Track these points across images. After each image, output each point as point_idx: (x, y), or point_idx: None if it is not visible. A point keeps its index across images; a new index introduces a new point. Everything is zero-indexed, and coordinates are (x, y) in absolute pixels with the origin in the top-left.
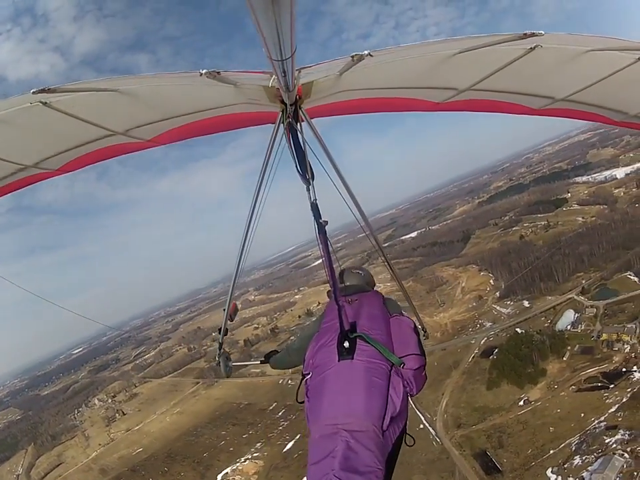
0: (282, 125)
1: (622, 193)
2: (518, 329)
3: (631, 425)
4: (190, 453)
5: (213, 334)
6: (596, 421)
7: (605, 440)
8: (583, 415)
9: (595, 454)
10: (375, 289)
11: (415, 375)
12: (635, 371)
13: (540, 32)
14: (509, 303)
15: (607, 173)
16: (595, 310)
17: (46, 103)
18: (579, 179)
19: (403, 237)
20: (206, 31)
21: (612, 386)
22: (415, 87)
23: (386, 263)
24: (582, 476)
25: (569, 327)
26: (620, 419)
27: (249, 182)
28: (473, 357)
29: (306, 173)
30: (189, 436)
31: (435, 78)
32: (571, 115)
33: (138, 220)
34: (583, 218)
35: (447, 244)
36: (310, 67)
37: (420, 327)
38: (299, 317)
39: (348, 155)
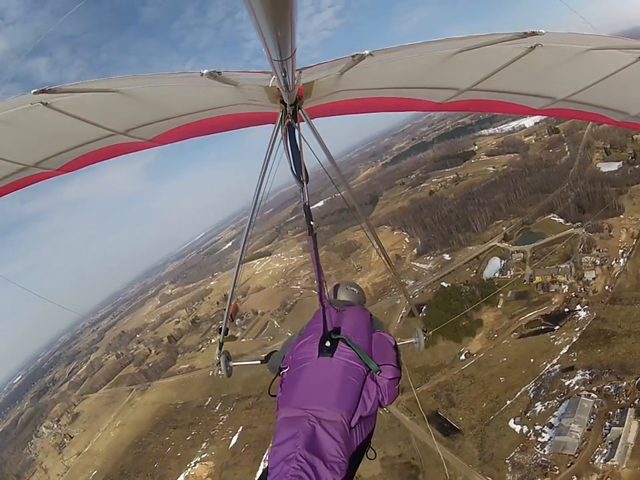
0: (282, 125)
1: (533, 141)
2: (443, 283)
3: (589, 364)
4: (141, 466)
5: (137, 335)
6: (548, 365)
7: (564, 382)
8: (532, 360)
9: (558, 398)
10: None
11: (389, 384)
12: (580, 310)
13: (540, 30)
14: (428, 258)
15: (514, 124)
16: (522, 254)
17: (46, 103)
18: (484, 132)
19: (311, 207)
20: (101, 25)
21: (557, 327)
22: (416, 87)
23: (379, 250)
24: (550, 422)
25: (497, 274)
26: (575, 360)
27: (152, 174)
28: (402, 318)
29: (300, 175)
30: (136, 448)
31: (436, 78)
32: (572, 115)
33: (47, 231)
34: (494, 167)
35: (355, 209)
36: (310, 66)
37: (422, 327)
38: (217, 303)
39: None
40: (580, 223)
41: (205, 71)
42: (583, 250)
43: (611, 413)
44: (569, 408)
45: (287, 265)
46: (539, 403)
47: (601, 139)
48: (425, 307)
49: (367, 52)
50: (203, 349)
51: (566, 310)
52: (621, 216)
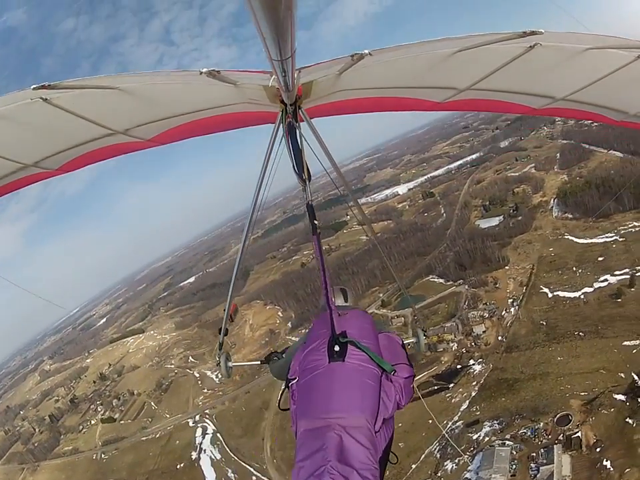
0: (282, 124)
1: (407, 206)
2: None
3: (496, 414)
4: None
5: (21, 412)
6: (450, 423)
7: (471, 437)
8: (430, 421)
9: (468, 453)
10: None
11: (405, 383)
12: (473, 364)
13: (539, 30)
14: (304, 331)
15: (387, 192)
16: (403, 319)
17: (46, 99)
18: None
19: (182, 284)
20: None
21: (452, 385)
22: (415, 87)
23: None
24: (466, 477)
25: None
26: (479, 413)
27: (29, 239)
28: (282, 394)
29: (302, 174)
30: None
31: (435, 77)
32: (571, 115)
33: None
34: (367, 236)
35: (227, 284)
36: (310, 66)
37: (423, 327)
38: (94, 382)
39: (123, 202)
40: (462, 281)
41: (204, 70)
42: (468, 306)
43: (534, 454)
44: (485, 460)
45: (160, 343)
46: (448, 461)
47: (478, 197)
48: None
49: (366, 51)
50: (84, 430)
51: (458, 367)
52: (506, 267)
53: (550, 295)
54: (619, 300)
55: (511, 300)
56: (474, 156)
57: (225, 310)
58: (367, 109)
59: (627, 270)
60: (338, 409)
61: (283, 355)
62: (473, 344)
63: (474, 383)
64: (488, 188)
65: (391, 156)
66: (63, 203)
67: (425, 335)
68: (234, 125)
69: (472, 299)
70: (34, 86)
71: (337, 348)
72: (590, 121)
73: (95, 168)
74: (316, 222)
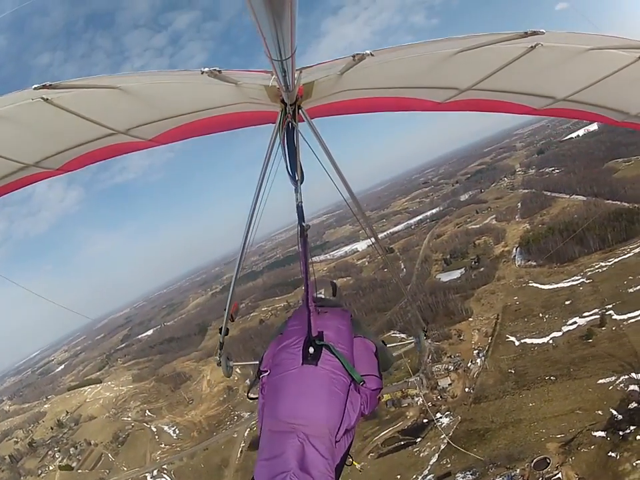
0: (282, 124)
1: (367, 263)
2: None
3: (468, 465)
4: None
5: (16, 431)
6: (420, 477)
7: None
8: (399, 476)
9: None
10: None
11: (371, 395)
12: (441, 417)
13: (541, 30)
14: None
15: (346, 248)
16: None
17: (47, 99)
18: (316, 258)
19: (140, 336)
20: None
21: (419, 439)
22: (416, 87)
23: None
24: None
25: None
26: (450, 465)
27: None
28: (242, 452)
29: (295, 174)
30: None
31: (436, 77)
32: (572, 115)
33: None
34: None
35: (185, 338)
36: (311, 66)
37: (423, 326)
38: (52, 428)
39: (85, 249)
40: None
41: (205, 69)
42: (432, 360)
43: None
44: None
45: (117, 395)
46: None
47: (439, 251)
48: None
49: (367, 52)
50: (42, 474)
51: (425, 421)
52: (470, 319)
53: (517, 343)
54: (590, 340)
55: (477, 351)
56: (434, 210)
57: (225, 310)
58: (368, 109)
59: (597, 310)
60: (304, 416)
61: None
62: (439, 397)
63: (442, 436)
64: (448, 241)
65: (351, 213)
66: (26, 243)
67: (425, 336)
68: (235, 124)
69: (436, 353)
70: (35, 85)
71: (311, 350)
72: (551, 168)
73: (59, 211)
74: (304, 224)
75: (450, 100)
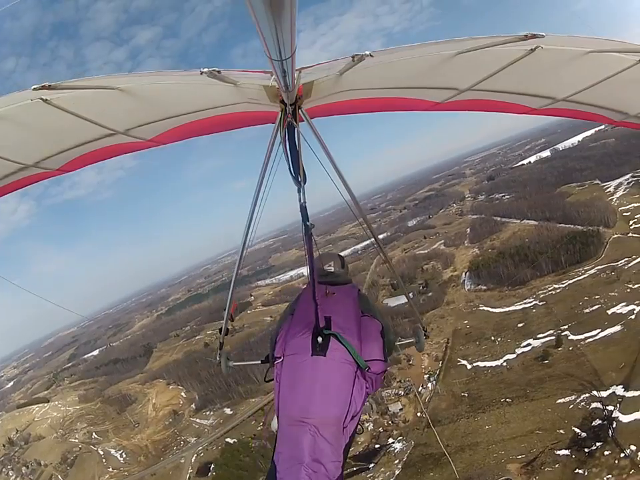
0: (282, 124)
1: None
2: (229, 439)
3: None
4: None
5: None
6: None
7: None
8: None
9: None
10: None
11: (377, 378)
12: (393, 442)
13: (541, 33)
14: (208, 413)
15: (292, 273)
16: None
17: (46, 100)
18: (261, 282)
19: (86, 356)
20: None
21: (372, 465)
22: (415, 87)
23: (379, 251)
24: None
25: None
26: None
27: None
28: (189, 478)
29: (298, 175)
30: None
31: (436, 78)
32: (572, 115)
33: None
34: (271, 317)
35: (130, 360)
36: (310, 66)
37: (423, 326)
38: (4, 445)
39: (35, 265)
40: None
41: (205, 70)
42: (381, 385)
43: None
44: None
45: (65, 415)
46: None
47: (386, 276)
48: (212, 465)
49: (367, 53)
50: None
51: (377, 446)
52: None
53: (469, 367)
54: (546, 361)
55: (427, 375)
56: (381, 236)
57: (225, 310)
58: (367, 109)
59: (552, 331)
60: (315, 412)
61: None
62: (390, 422)
63: (396, 461)
64: (396, 266)
65: (297, 237)
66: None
67: (425, 335)
68: (234, 124)
69: (385, 378)
70: (34, 86)
71: (319, 339)
72: (502, 194)
73: (8, 228)
74: (308, 223)
75: (449, 100)
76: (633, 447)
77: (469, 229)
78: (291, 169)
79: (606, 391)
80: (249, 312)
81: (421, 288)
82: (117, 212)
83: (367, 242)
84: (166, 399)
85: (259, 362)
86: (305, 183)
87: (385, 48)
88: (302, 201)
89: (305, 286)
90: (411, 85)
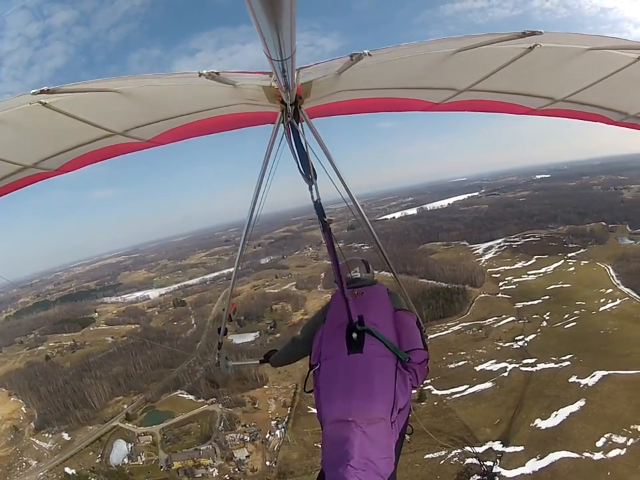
0: (282, 124)
1: (157, 312)
2: (67, 469)
3: None
4: None
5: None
6: None
7: None
8: None
9: None
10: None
11: (419, 368)
12: None
13: (539, 30)
14: (47, 435)
15: (139, 294)
16: (151, 437)
17: (45, 103)
18: (107, 299)
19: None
20: None
21: None
22: (414, 87)
23: (380, 252)
24: None
25: (126, 460)
26: None
27: None
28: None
29: (309, 173)
30: None
31: (434, 78)
32: (571, 115)
33: None
34: (112, 338)
35: None
36: (309, 66)
37: (422, 326)
38: None
39: None
40: (215, 399)
41: (203, 72)
42: (224, 428)
43: None
44: None
45: None
46: None
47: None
48: None
49: (365, 52)
50: None
51: None
52: (265, 386)
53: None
54: (409, 415)
55: (275, 422)
56: (231, 269)
57: (224, 310)
58: (366, 109)
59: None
60: (358, 409)
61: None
62: (237, 469)
63: None
64: (244, 302)
65: (148, 258)
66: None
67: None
68: (233, 125)
69: (228, 420)
70: (33, 90)
71: (354, 336)
72: (361, 244)
73: None
74: (326, 219)
75: (448, 100)
76: None
77: (323, 274)
78: (301, 167)
79: (481, 446)
80: (91, 329)
81: (269, 328)
82: None
83: (217, 273)
84: (7, 411)
85: (258, 362)
86: (316, 180)
87: (383, 47)
88: (315, 198)
89: (334, 292)
90: (410, 85)
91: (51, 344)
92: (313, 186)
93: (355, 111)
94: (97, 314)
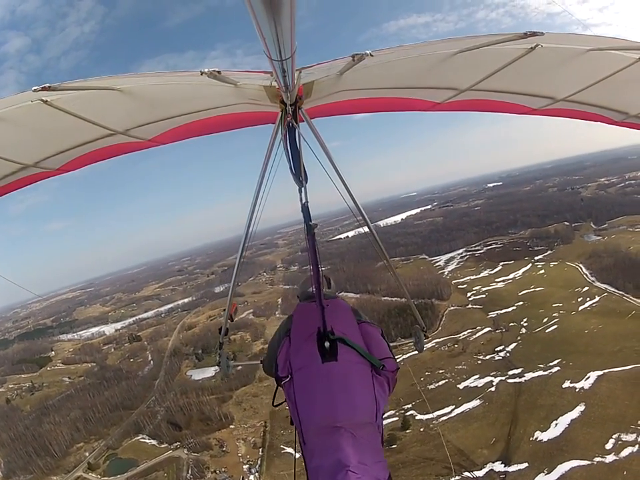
0: (282, 125)
1: (112, 349)
2: None
3: None
4: None
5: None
6: None
7: None
8: None
9: None
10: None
11: (391, 376)
12: None
13: (540, 31)
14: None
15: (94, 330)
16: None
17: (46, 101)
18: (64, 337)
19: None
20: None
21: None
22: (416, 87)
23: (385, 259)
24: None
25: None
26: None
27: None
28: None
29: (299, 175)
30: None
31: (436, 78)
32: (572, 115)
33: None
34: (69, 378)
35: None
36: (310, 66)
37: (422, 326)
38: None
39: None
40: (179, 443)
41: (205, 70)
42: (193, 475)
43: None
44: None
45: None
46: None
47: (190, 344)
48: None
49: (367, 52)
50: None
51: None
52: (232, 426)
53: (298, 455)
54: (394, 446)
55: (247, 465)
56: (186, 300)
57: (225, 310)
58: (367, 109)
59: (393, 412)
60: (343, 414)
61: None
62: None
63: None
64: (200, 335)
65: (103, 292)
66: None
67: (425, 336)
68: (234, 125)
69: (196, 467)
70: (34, 87)
71: (327, 345)
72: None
73: None
74: (311, 223)
75: (449, 100)
76: None
77: (280, 299)
78: (292, 168)
79: (481, 469)
80: (48, 369)
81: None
82: None
83: (172, 305)
84: None
85: (259, 362)
86: (306, 183)
87: (385, 48)
88: (304, 201)
89: (296, 307)
90: (411, 84)
91: (10, 385)
92: (303, 188)
93: (356, 111)
94: (53, 352)
